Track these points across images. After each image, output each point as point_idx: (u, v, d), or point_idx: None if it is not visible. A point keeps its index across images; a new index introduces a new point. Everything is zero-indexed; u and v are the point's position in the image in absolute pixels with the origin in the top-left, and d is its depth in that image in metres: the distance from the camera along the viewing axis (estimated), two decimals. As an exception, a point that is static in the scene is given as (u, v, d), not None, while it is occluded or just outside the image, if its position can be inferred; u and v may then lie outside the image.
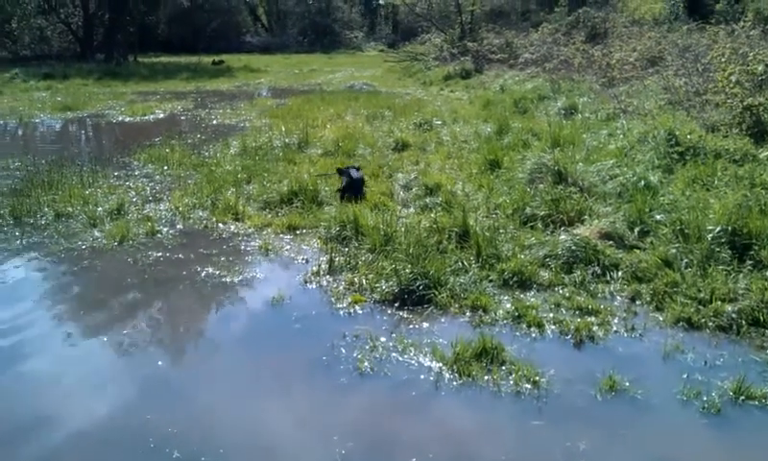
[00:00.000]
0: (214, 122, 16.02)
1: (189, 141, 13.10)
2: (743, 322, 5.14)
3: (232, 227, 7.89)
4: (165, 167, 10.75)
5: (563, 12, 28.29)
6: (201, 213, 8.30)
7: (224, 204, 8.43)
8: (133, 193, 9.22)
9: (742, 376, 4.41)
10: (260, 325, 5.69)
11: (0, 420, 4.31)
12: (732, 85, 9.67)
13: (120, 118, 16.97)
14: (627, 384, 4.43)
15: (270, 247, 7.16)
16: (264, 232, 7.66)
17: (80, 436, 4.13)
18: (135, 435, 4.10)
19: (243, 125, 15.39)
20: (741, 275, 5.67)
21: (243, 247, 7.28)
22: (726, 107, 9.77)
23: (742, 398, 4.27)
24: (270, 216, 8.16)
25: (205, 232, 7.73)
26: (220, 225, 7.94)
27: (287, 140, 12.19)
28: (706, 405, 4.22)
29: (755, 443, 4.00)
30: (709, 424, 4.10)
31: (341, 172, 8.89)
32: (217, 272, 6.56)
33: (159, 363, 5.05)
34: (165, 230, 7.76)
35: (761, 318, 5.15)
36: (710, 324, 5.18)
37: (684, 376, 4.53)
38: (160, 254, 7.03)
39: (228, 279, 6.42)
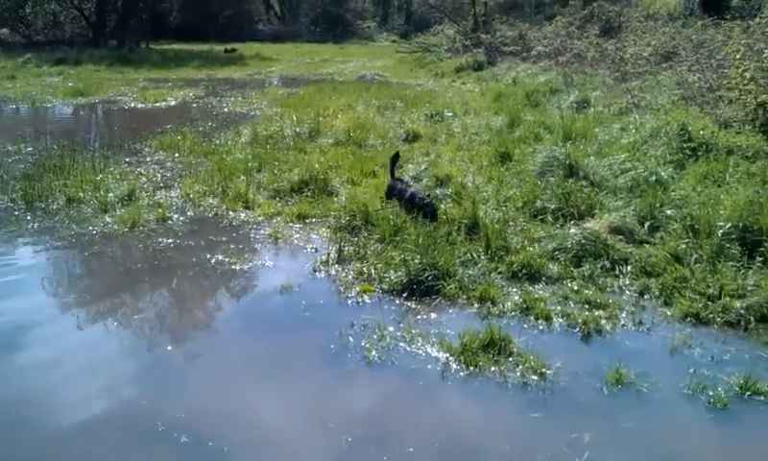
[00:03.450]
0: (225, 110, 16.05)
1: (200, 129, 13.14)
2: (751, 318, 5.13)
3: (242, 214, 7.92)
4: (176, 154, 10.79)
5: (577, 5, 28.16)
6: (211, 201, 8.34)
7: (234, 191, 8.46)
8: (144, 179, 9.27)
9: (749, 371, 4.41)
10: (269, 312, 5.72)
11: (9, 403, 4.37)
12: (745, 82, 9.60)
13: (132, 105, 17.04)
14: (633, 378, 4.43)
15: (279, 235, 7.18)
16: (274, 221, 7.69)
17: (88, 420, 4.17)
18: (143, 420, 4.14)
19: (254, 113, 15.41)
20: (751, 271, 5.65)
21: (253, 235, 7.31)
22: (739, 103, 9.71)
23: (749, 393, 4.27)
24: (280, 205, 8.18)
25: (216, 220, 7.77)
26: (230, 212, 7.97)
27: (298, 129, 12.20)
28: (712, 400, 4.22)
29: (760, 438, 3.99)
30: (715, 419, 4.10)
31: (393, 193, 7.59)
32: (227, 259, 6.60)
33: (168, 348, 5.10)
34: (176, 216, 7.81)
35: (770, 314, 5.14)
36: (718, 319, 5.18)
37: (691, 370, 4.53)
38: (171, 240, 7.07)
39: (237, 267, 6.45)
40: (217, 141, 11.80)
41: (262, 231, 7.37)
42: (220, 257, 6.63)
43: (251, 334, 5.39)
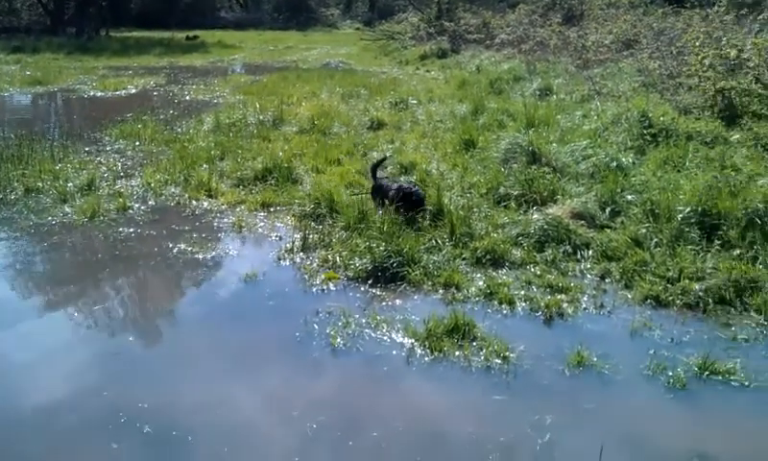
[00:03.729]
0: (187, 98, 15.84)
1: (162, 117, 12.95)
2: (710, 300, 5.24)
3: (205, 203, 7.84)
4: (137, 143, 10.63)
5: (540, -7, 28.26)
6: (173, 190, 8.23)
7: (196, 180, 8.36)
8: (105, 169, 9.10)
9: (707, 352, 4.49)
10: (233, 301, 5.67)
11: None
12: (705, 69, 9.78)
13: (91, 93, 16.71)
14: (595, 360, 4.50)
15: (243, 224, 7.13)
16: (237, 209, 7.62)
17: (48, 412, 4.10)
18: (105, 411, 4.07)
19: (216, 101, 15.24)
20: (709, 254, 5.77)
21: (216, 224, 7.24)
22: (699, 90, 9.88)
23: (707, 373, 4.36)
24: (243, 193, 8.11)
25: (178, 209, 7.68)
26: (193, 201, 7.88)
27: (261, 117, 12.09)
28: (671, 380, 4.30)
29: (718, 417, 4.08)
30: (675, 399, 4.18)
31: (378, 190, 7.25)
32: (189, 248, 6.52)
33: (130, 339, 5.03)
34: (137, 206, 7.69)
35: (728, 296, 5.25)
36: (678, 302, 5.28)
37: (651, 351, 4.62)
38: (132, 230, 6.97)
39: (200, 256, 6.39)
40: (179, 129, 11.65)
41: (226, 220, 7.30)
42: (182, 247, 6.56)
43: (214, 323, 5.34)
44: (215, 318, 5.44)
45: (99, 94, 16.57)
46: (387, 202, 6.78)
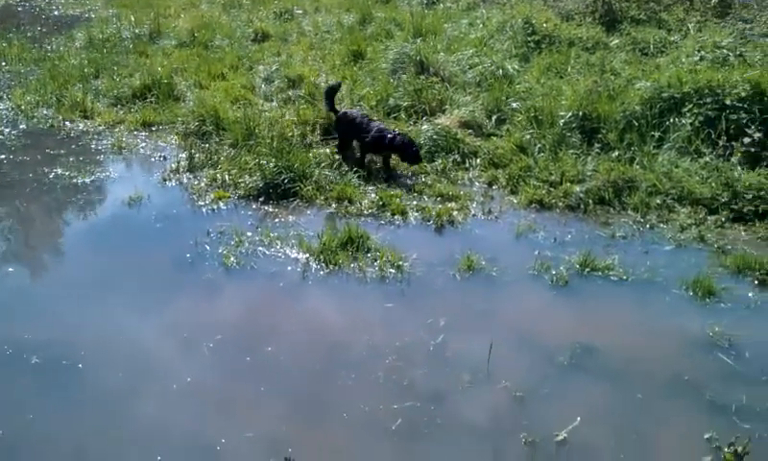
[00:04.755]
0: (56, 13, 14.65)
1: (29, 34, 11.93)
2: (590, 201, 5.51)
3: (81, 125, 7.41)
4: (3, 63, 9.80)
5: None
6: (45, 112, 7.72)
7: (70, 100, 7.86)
8: (-34, 91, 8.39)
9: (588, 250, 4.75)
10: (118, 225, 5.44)
11: None
12: (586, -25, 9.94)
13: (-56, 8, 15.18)
14: (484, 263, 4.67)
15: (124, 145, 6.81)
16: (116, 130, 7.26)
17: None
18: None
19: (88, 15, 14.16)
20: (589, 157, 6.03)
21: (94, 146, 6.88)
22: (581, -5, 10.06)
23: (588, 270, 4.62)
24: (122, 112, 7.72)
25: (52, 132, 7.22)
26: (67, 123, 7.43)
27: (137, 31, 11.38)
28: (555, 278, 4.54)
29: (597, 308, 4.36)
30: (558, 295, 4.43)
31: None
32: (67, 173, 6.19)
33: (10, 269, 4.77)
34: (7, 130, 7.18)
35: (606, 197, 5.54)
36: (560, 204, 5.52)
37: (536, 252, 4.83)
38: (3, 156, 6.52)
39: (79, 181, 6.08)
40: (48, 47, 10.80)
41: (105, 142, 6.95)
42: (60, 172, 6.20)
43: (99, 249, 5.12)
44: (99, 244, 5.22)
45: (-48, 9, 15.09)
46: (367, 146, 6.11)
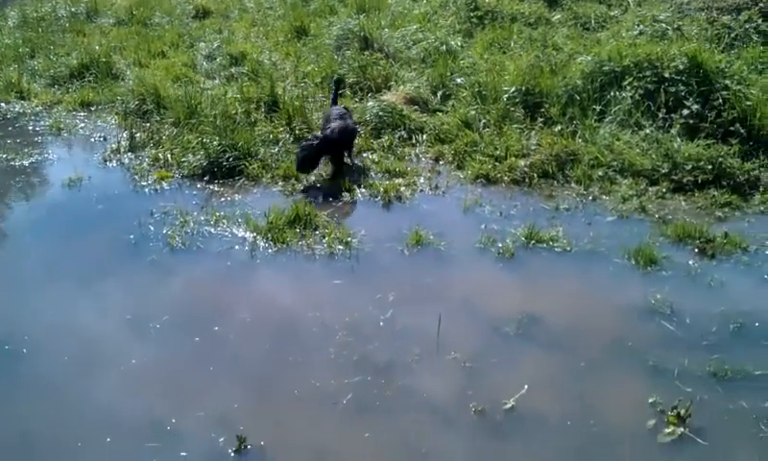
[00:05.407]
0: (-16, -11, 14.08)
1: (-45, 12, 11.46)
2: (534, 175, 5.58)
3: (17, 106, 7.21)
4: (-72, 42, 9.38)
5: None
6: (-22, 93, 7.44)
7: (5, 81, 7.65)
8: None
9: (532, 223, 4.82)
10: (58, 208, 5.31)
11: None
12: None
13: None
14: (431, 238, 4.70)
15: (62, 126, 6.63)
16: (54, 110, 7.07)
17: None
18: None
19: (20, -8, 13.68)
20: (533, 132, 6.10)
21: (31, 127, 6.69)
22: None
23: (533, 242, 4.69)
24: (59, 93, 7.53)
25: (-15, 114, 6.97)
26: (2, 104, 7.24)
27: (73, 9, 11.02)
28: (501, 251, 4.59)
29: (542, 279, 4.42)
30: (504, 268, 4.48)
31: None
32: (4, 156, 6.03)
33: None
34: (-63, 113, 6.90)
35: (550, 170, 5.61)
36: (506, 178, 5.58)
37: (482, 226, 4.88)
38: (-69, 139, 6.26)
39: (17, 163, 5.92)
40: (-22, 26, 10.40)
41: (42, 123, 6.75)
42: (-5, 154, 6.00)
43: (40, 232, 5.00)
44: (39, 227, 5.08)
45: None
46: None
